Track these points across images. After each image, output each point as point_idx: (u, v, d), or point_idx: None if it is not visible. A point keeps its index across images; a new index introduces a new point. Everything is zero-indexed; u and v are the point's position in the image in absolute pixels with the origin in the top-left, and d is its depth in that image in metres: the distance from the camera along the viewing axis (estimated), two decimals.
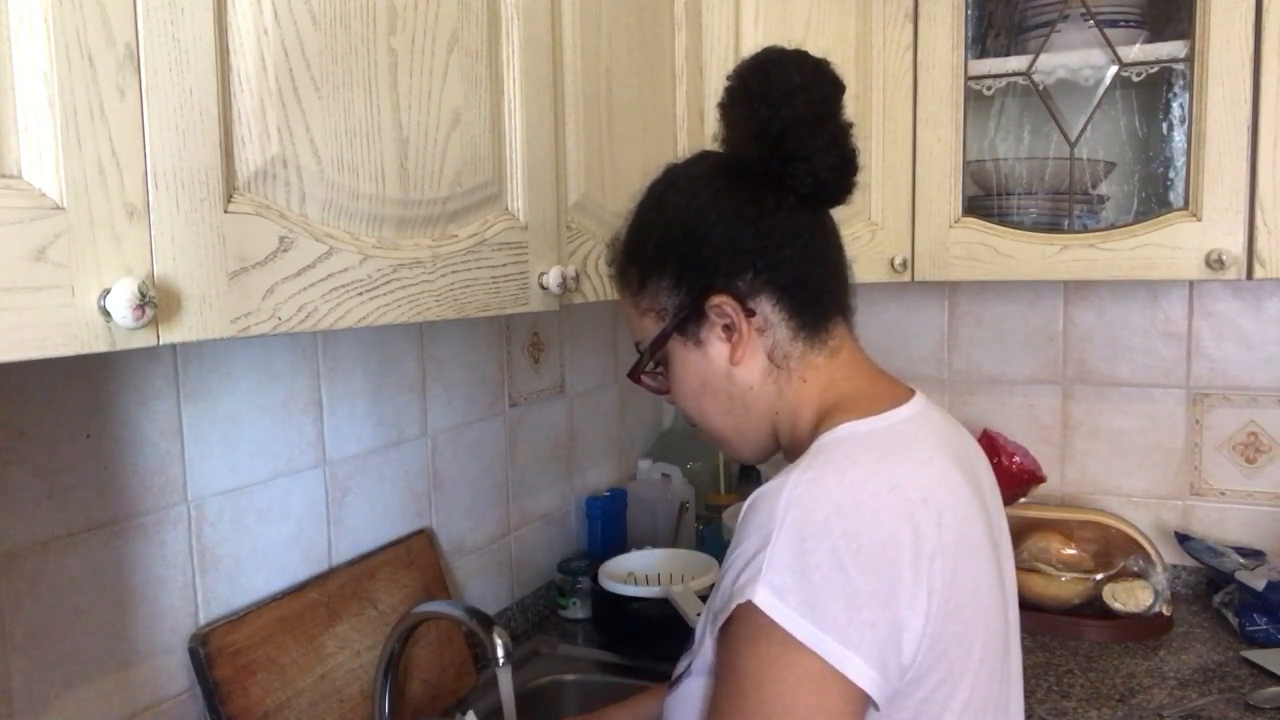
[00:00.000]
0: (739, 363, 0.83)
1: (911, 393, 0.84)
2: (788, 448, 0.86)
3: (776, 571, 0.67)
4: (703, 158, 0.88)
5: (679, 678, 0.81)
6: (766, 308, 0.82)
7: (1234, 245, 1.42)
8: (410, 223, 0.83)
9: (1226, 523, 1.78)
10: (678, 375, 0.87)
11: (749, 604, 0.67)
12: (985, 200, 1.66)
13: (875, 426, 0.77)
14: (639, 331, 0.88)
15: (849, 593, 0.66)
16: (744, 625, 0.68)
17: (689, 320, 0.83)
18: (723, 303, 0.81)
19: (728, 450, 0.91)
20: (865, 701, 0.67)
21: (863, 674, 0.65)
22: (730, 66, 1.43)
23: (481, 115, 0.92)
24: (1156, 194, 1.65)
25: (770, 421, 0.85)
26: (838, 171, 0.81)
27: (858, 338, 0.89)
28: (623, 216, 1.18)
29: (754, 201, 0.81)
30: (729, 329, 0.82)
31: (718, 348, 0.83)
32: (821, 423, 0.80)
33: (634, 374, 0.90)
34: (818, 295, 0.84)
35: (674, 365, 0.87)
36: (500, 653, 1.01)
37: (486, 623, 1.03)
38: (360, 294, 0.77)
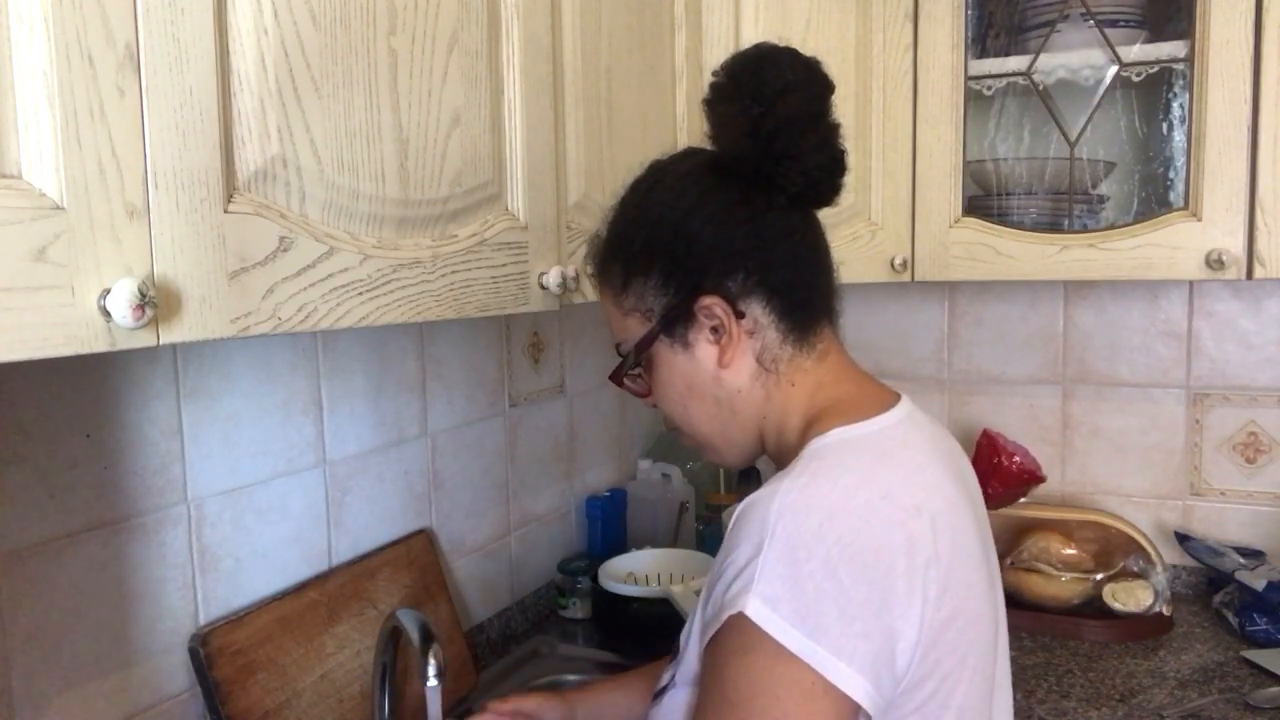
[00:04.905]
0: (727, 365, 0.81)
1: (897, 397, 0.83)
2: (775, 453, 0.85)
3: (768, 581, 0.66)
4: (690, 154, 0.87)
5: (663, 689, 0.80)
6: (756, 310, 0.80)
7: (1234, 245, 1.42)
8: (410, 223, 0.83)
9: (1226, 523, 1.78)
10: (662, 378, 0.85)
11: (740, 615, 0.66)
12: (985, 200, 1.66)
13: (866, 431, 0.76)
14: (621, 332, 0.86)
15: (842, 602, 0.65)
16: (734, 636, 0.67)
17: (676, 321, 0.81)
18: (712, 304, 0.79)
19: (712, 455, 0.89)
20: (856, 713, 0.66)
21: (855, 685, 0.64)
22: None
23: (481, 115, 0.92)
24: (1156, 194, 1.65)
25: (757, 426, 0.84)
26: (827, 172, 0.80)
27: (844, 341, 0.87)
28: None
29: (745, 201, 0.80)
30: (717, 331, 0.81)
31: (705, 350, 0.82)
32: (810, 427, 0.79)
33: (616, 376, 0.88)
34: (807, 298, 0.82)
35: (659, 368, 0.84)
36: (432, 671, 0.94)
37: (426, 640, 0.97)
38: (360, 294, 0.77)
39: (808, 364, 0.82)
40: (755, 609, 0.65)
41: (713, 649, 0.70)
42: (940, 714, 0.71)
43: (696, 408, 0.84)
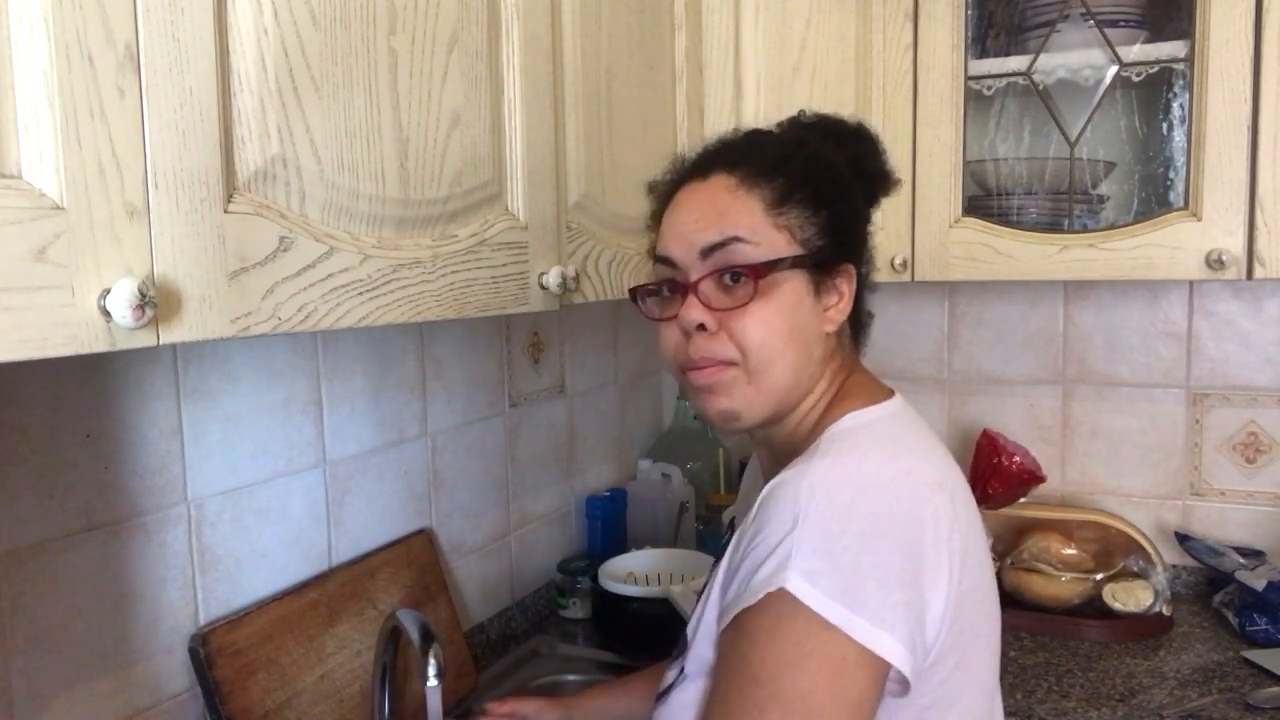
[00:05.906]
0: (829, 334, 0.84)
1: (892, 391, 0.87)
2: (789, 432, 0.84)
3: (805, 556, 0.67)
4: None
5: (669, 688, 0.80)
6: (857, 295, 0.86)
7: (1234, 245, 1.42)
8: (410, 223, 0.83)
9: (1226, 523, 1.78)
10: (781, 305, 0.79)
11: (780, 591, 0.67)
12: (985, 200, 1.66)
13: (876, 416, 0.80)
14: (749, 230, 0.79)
15: (880, 574, 0.67)
16: (768, 614, 0.68)
17: (820, 266, 0.81)
18: (851, 275, 0.84)
19: (739, 401, 0.80)
20: (884, 685, 0.68)
21: (896, 652, 0.66)
22: (730, 67, 1.45)
23: (481, 115, 0.92)
24: (1156, 194, 1.65)
25: (803, 396, 0.83)
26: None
27: None
28: (623, 217, 1.18)
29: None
30: (836, 298, 0.83)
31: (822, 309, 0.83)
32: (827, 412, 0.82)
33: (745, 266, 0.79)
34: (864, 302, 0.89)
35: (782, 295, 0.79)
36: (432, 671, 0.95)
37: (426, 640, 0.98)
38: (360, 294, 0.77)
39: (846, 354, 0.88)
40: (796, 584, 0.66)
41: (738, 630, 0.70)
42: (964, 689, 0.74)
43: (792, 353, 0.80)
